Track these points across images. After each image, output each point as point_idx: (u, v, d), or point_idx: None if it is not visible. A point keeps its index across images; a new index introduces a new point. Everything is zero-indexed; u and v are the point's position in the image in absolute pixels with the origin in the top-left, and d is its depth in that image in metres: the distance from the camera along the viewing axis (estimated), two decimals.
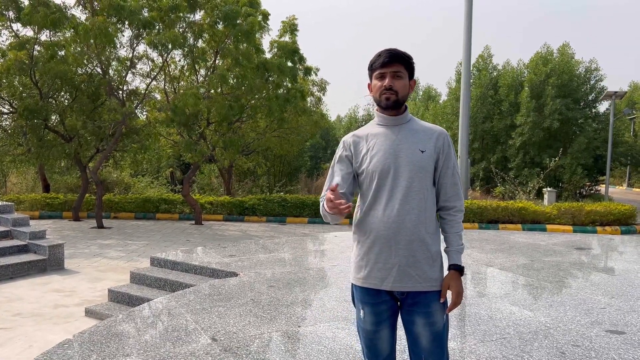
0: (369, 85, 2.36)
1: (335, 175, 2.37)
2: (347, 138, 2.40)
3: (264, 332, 4.06)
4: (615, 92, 21.60)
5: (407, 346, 2.36)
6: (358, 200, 2.38)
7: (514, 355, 3.64)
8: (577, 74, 23.96)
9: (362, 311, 2.31)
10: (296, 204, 15.95)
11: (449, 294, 2.29)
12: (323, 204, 2.22)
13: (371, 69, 2.31)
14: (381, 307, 2.28)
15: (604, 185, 23.13)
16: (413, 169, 2.22)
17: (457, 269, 2.27)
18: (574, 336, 4.00)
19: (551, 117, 22.29)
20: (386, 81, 2.24)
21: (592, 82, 24.28)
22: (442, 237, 2.36)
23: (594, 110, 24.76)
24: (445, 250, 2.33)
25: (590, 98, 24.45)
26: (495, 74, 26.29)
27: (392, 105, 2.26)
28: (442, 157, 2.29)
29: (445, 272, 2.30)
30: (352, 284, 2.38)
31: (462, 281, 2.29)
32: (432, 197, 2.29)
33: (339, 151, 2.40)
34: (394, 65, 2.24)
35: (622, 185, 36.68)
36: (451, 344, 3.80)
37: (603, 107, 25.50)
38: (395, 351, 2.39)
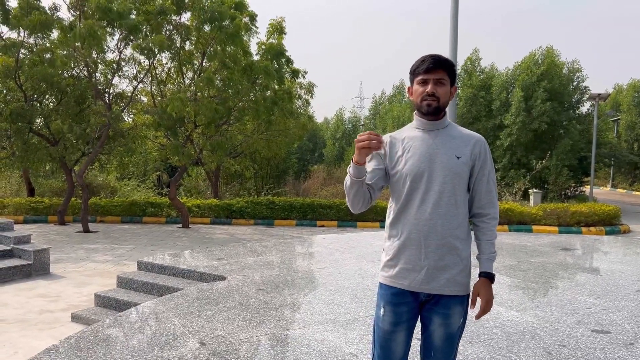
0: (409, 89, 2.36)
1: (367, 168, 2.38)
2: (384, 139, 2.40)
3: (252, 335, 4.05)
4: (599, 94, 21.86)
5: (418, 353, 2.41)
6: (390, 201, 2.40)
7: (502, 356, 3.66)
8: (563, 75, 24.17)
9: (382, 309, 2.33)
10: (284, 206, 15.93)
11: (478, 301, 2.32)
12: (346, 185, 2.29)
13: (413, 73, 2.31)
14: (402, 308, 2.29)
15: (588, 186, 23.39)
16: (447, 175, 2.24)
17: (488, 277, 2.29)
18: (561, 336, 4.04)
19: (539, 119, 22.49)
20: (429, 87, 2.24)
21: (575, 83, 24.50)
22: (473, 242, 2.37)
23: (577, 112, 24.99)
24: (477, 257, 2.34)
25: (574, 99, 24.68)
26: (483, 76, 26.44)
27: (433, 111, 2.27)
28: (478, 164, 2.30)
29: (473, 278, 2.31)
30: (379, 282, 2.40)
31: (492, 289, 2.30)
32: (465, 203, 2.30)
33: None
34: (437, 71, 2.24)
35: (606, 186, 37.09)
36: None
37: (587, 108, 25.76)
38: (408, 358, 2.39)
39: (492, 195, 2.34)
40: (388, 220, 2.38)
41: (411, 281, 2.27)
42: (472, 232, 2.37)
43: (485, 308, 2.29)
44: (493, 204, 2.34)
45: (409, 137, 2.34)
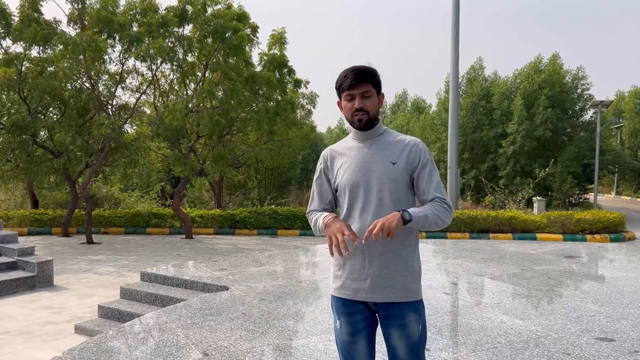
0: (339, 104, 2.37)
1: (315, 193, 2.46)
2: (326, 152, 2.45)
3: (255, 346, 4.04)
4: (602, 101, 21.87)
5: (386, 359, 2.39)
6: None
7: None
8: (566, 83, 24.18)
9: (338, 321, 2.35)
10: (287, 216, 15.92)
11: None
12: (316, 224, 2.34)
13: (339, 89, 2.31)
14: (356, 317, 2.30)
15: (592, 194, 23.32)
16: (384, 182, 2.25)
17: (402, 214, 2.12)
18: (565, 344, 4.02)
19: (542, 126, 22.48)
20: (356, 103, 2.26)
21: (579, 91, 24.49)
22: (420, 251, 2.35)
23: (581, 120, 24.98)
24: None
25: (577, 107, 24.68)
26: (485, 84, 26.47)
27: (365, 125, 2.30)
28: (418, 166, 2.28)
29: (423, 285, 2.30)
30: (331, 294, 2.41)
31: (396, 222, 2.08)
32: (409, 207, 2.26)
33: (319, 165, 2.46)
34: (361, 85, 2.25)
35: (610, 193, 36.96)
36: (443, 354, 3.80)
37: (590, 115, 25.73)
38: None
39: (434, 182, 2.25)
40: None
41: (357, 291, 2.26)
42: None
43: (377, 224, 2.07)
44: (437, 190, 2.25)
45: (347, 147, 2.38)
